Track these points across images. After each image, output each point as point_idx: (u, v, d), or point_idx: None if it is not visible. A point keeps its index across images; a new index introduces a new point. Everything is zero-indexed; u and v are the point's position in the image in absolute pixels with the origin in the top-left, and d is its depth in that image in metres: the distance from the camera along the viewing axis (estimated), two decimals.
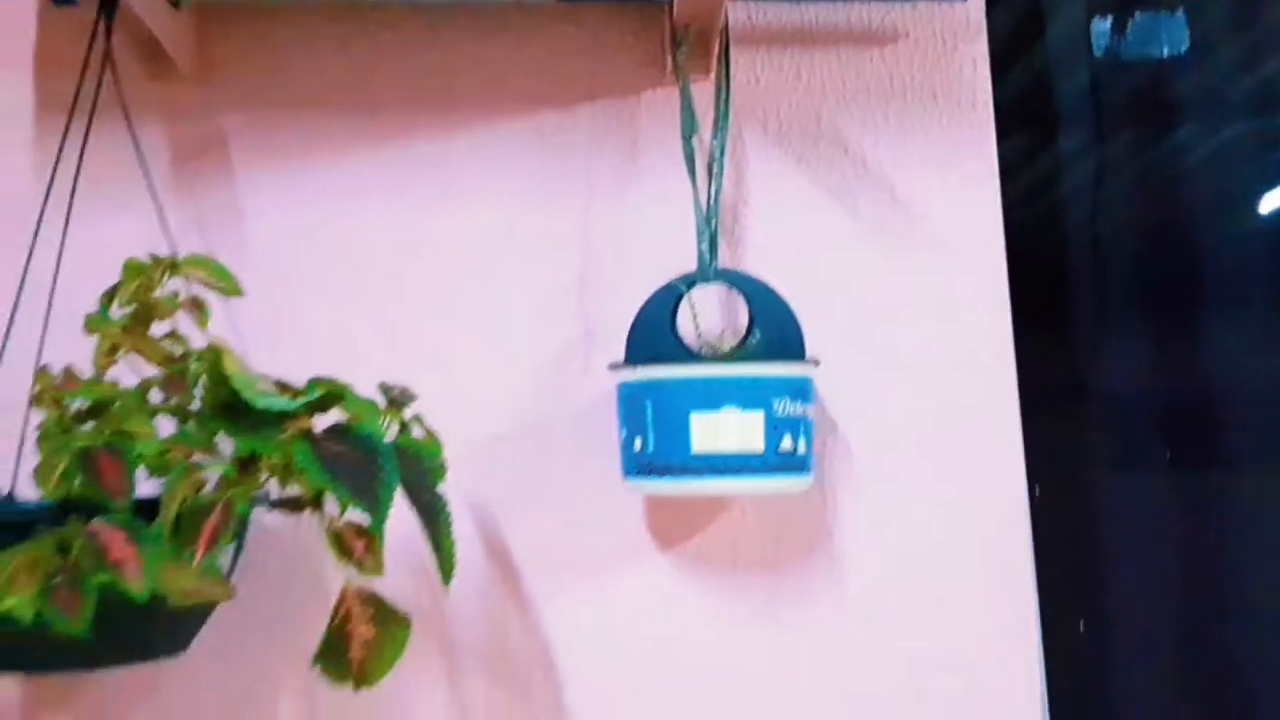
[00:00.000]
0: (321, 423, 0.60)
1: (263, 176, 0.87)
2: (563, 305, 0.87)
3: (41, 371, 0.69)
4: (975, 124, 0.91)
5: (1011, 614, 0.85)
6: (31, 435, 0.68)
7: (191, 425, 0.58)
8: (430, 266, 0.87)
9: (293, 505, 0.61)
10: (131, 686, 0.81)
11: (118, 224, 0.82)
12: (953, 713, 0.83)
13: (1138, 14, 1.10)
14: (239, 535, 0.58)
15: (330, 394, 0.57)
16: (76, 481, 0.59)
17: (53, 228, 0.78)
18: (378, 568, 0.63)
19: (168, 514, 0.56)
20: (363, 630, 0.62)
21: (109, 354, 0.71)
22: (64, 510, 0.61)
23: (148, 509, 0.61)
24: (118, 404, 0.62)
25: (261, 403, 0.55)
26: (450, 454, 0.70)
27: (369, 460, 0.57)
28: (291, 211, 0.87)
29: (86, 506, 0.62)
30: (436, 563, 0.60)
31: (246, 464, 0.59)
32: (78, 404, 0.70)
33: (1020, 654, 0.84)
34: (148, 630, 0.67)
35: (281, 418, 0.56)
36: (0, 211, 0.84)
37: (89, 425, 0.63)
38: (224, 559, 0.64)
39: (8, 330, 0.73)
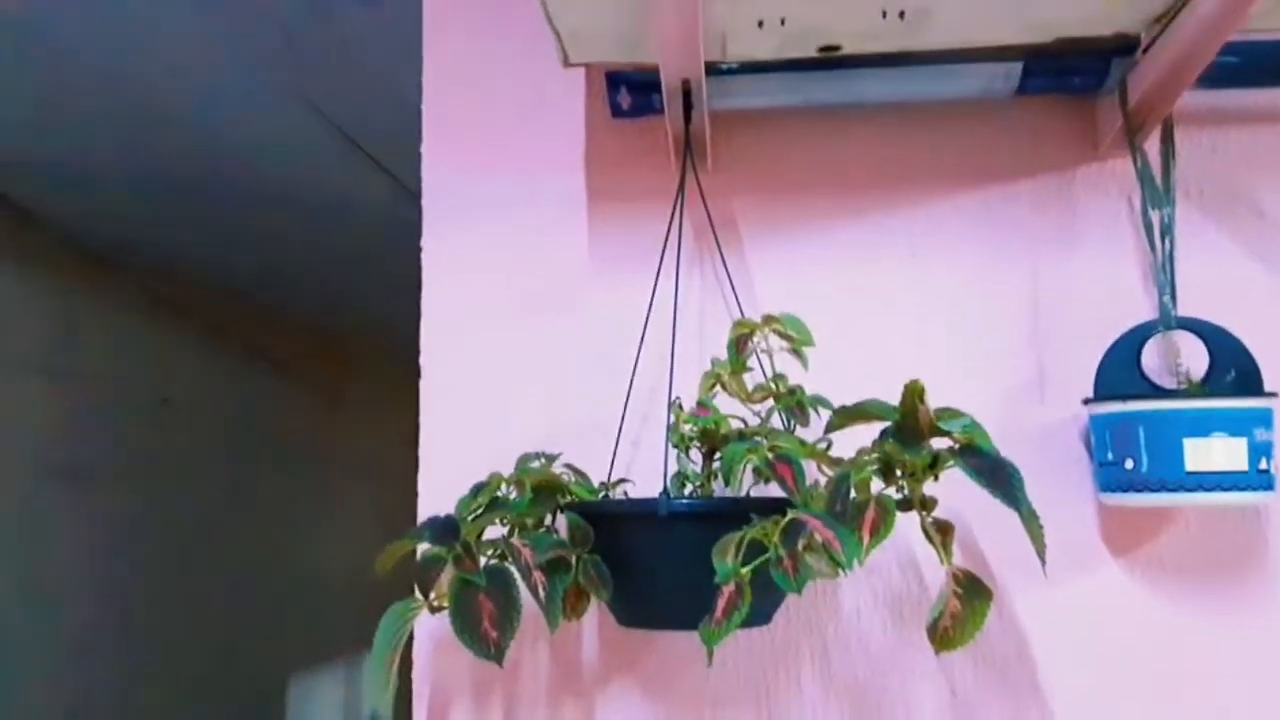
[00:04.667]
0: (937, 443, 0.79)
1: (766, 248, 1.08)
2: (1016, 351, 1.04)
3: (676, 403, 0.90)
4: None
5: None
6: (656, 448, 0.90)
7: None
8: (900, 318, 1.06)
9: (904, 505, 0.80)
10: (678, 652, 1.01)
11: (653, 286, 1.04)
12: None
13: None
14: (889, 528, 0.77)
15: (968, 429, 0.75)
16: (757, 481, 0.79)
17: (620, 289, 1.02)
18: (948, 557, 0.81)
19: (839, 505, 0.76)
20: (954, 604, 0.80)
21: (710, 389, 0.92)
22: (736, 505, 0.82)
23: (769, 508, 0.81)
24: (767, 428, 0.82)
25: (945, 426, 0.74)
26: None
27: (999, 468, 0.75)
28: (790, 274, 1.07)
29: (748, 502, 0.82)
30: (1033, 543, 0.77)
31: (890, 472, 0.78)
32: (688, 428, 0.91)
33: None
34: (774, 601, 0.88)
35: (929, 438, 0.76)
36: (562, 276, 1.09)
37: (747, 442, 0.83)
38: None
39: (633, 373, 0.96)
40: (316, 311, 3.89)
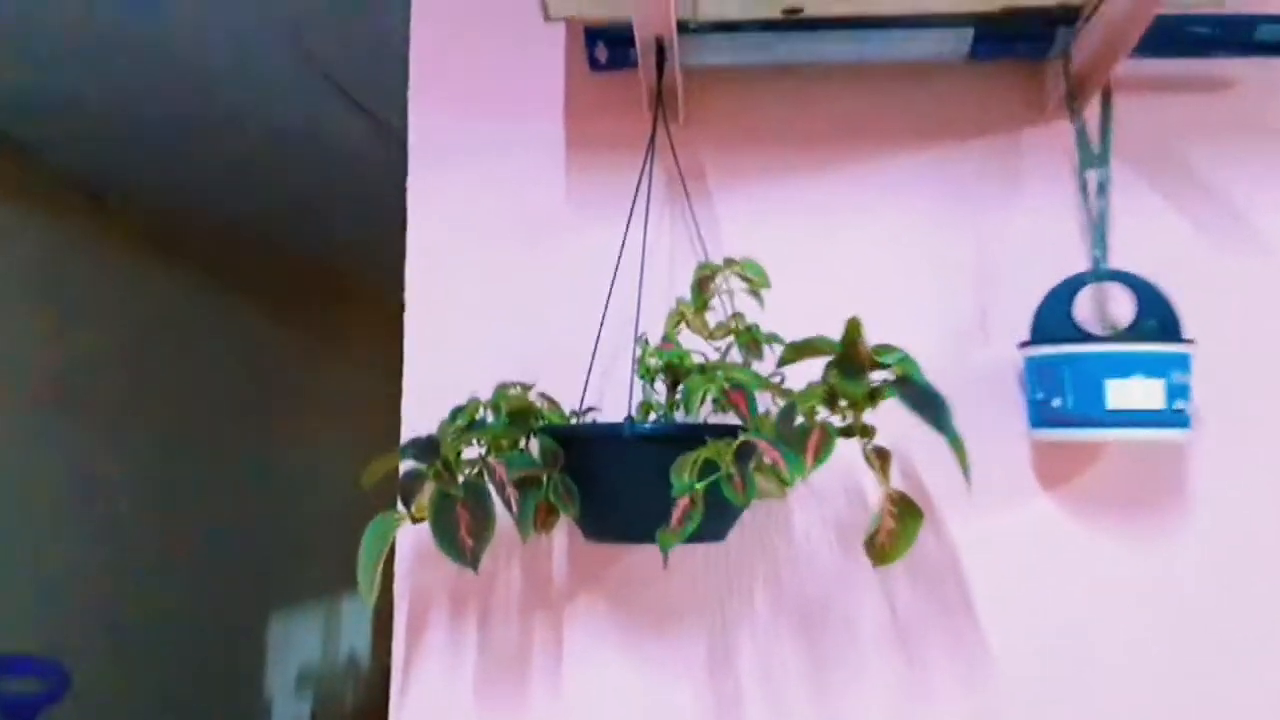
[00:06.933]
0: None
1: (732, 197, 1.15)
2: (961, 297, 1.12)
3: (643, 338, 0.98)
4: None
5: None
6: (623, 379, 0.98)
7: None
8: (854, 265, 1.13)
9: (847, 432, 0.88)
10: (640, 567, 1.10)
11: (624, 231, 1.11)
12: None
13: None
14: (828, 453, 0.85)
15: (902, 361, 0.83)
16: (713, 409, 0.87)
17: (598, 234, 1.09)
18: (886, 480, 0.90)
19: (786, 430, 0.84)
20: (889, 522, 0.88)
21: (675, 326, 1.00)
22: (694, 429, 0.90)
23: (724, 433, 0.89)
24: (725, 363, 0.90)
25: (882, 359, 0.82)
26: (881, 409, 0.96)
27: (930, 397, 0.83)
28: (753, 222, 1.14)
29: (705, 427, 0.90)
30: (959, 464, 0.86)
31: (834, 401, 0.86)
32: (653, 362, 0.99)
33: None
34: (727, 518, 0.96)
35: (869, 371, 0.84)
36: (539, 219, 1.15)
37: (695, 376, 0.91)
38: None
39: (604, 311, 1.03)
40: (310, 250, 3.94)
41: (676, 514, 0.82)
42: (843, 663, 1.08)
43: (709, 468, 0.84)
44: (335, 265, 4.23)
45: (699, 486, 0.83)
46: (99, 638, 3.06)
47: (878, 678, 1.08)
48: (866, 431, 0.88)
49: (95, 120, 2.46)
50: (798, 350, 0.89)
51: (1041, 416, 1.01)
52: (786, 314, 1.02)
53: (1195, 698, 1.06)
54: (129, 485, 3.26)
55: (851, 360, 0.82)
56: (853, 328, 0.82)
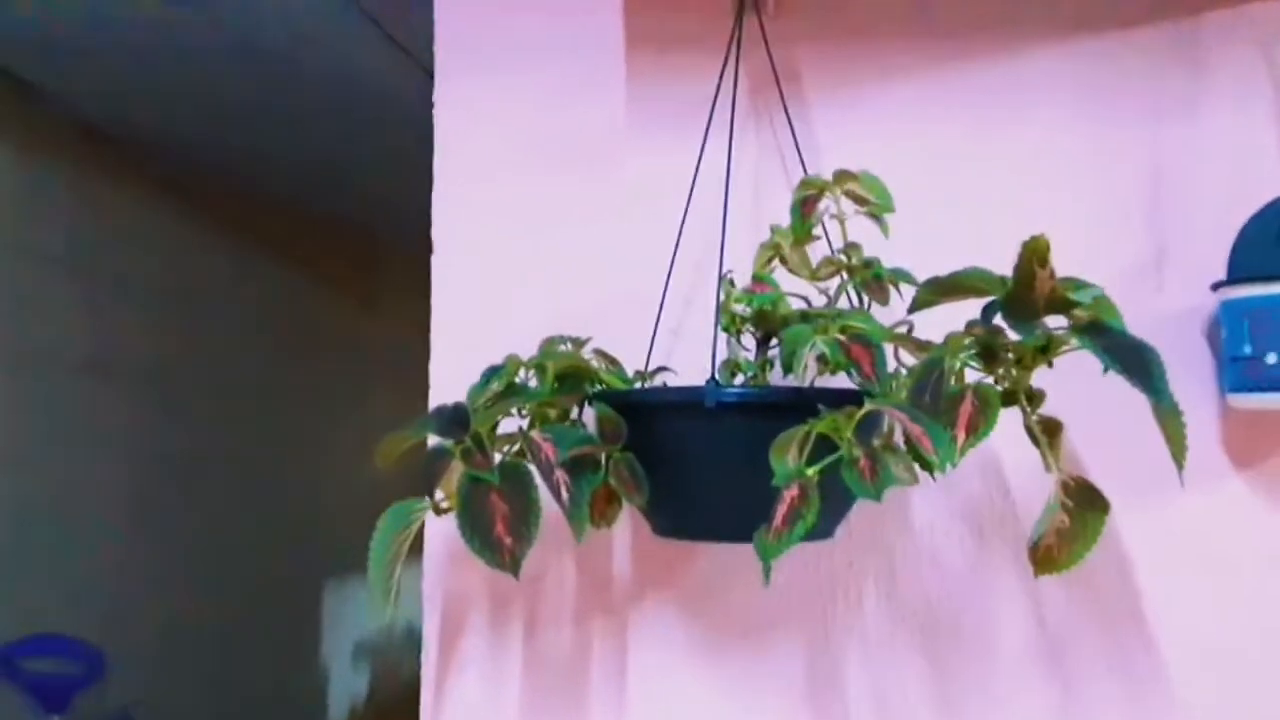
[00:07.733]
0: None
1: (835, 104, 0.92)
2: (1129, 229, 0.89)
3: (727, 278, 0.76)
4: None
5: None
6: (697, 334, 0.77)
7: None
8: (991, 190, 0.90)
9: (1005, 399, 0.66)
10: (722, 568, 0.89)
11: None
12: None
13: None
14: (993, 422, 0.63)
15: (1098, 301, 0.61)
16: (829, 367, 0.65)
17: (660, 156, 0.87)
18: (1058, 460, 0.67)
19: (928, 396, 0.62)
20: (1060, 518, 0.66)
21: (767, 263, 0.78)
22: (800, 395, 0.68)
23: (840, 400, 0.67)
24: (834, 310, 0.68)
25: (1075, 296, 0.60)
26: None
27: (1138, 350, 0.60)
28: (863, 135, 0.91)
29: (813, 392, 0.69)
30: (1170, 441, 0.63)
31: (992, 357, 0.63)
32: (741, 309, 0.77)
33: None
34: (841, 511, 0.74)
35: (1042, 314, 0.61)
36: (593, 134, 0.94)
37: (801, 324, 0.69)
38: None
39: (675, 249, 0.82)
40: (349, 211, 3.78)
41: (781, 510, 0.60)
42: (976, 686, 0.86)
43: (822, 447, 0.63)
44: (381, 229, 4.06)
45: (810, 472, 0.61)
46: (144, 615, 2.95)
47: (1021, 705, 0.86)
48: (1032, 398, 0.66)
49: (108, 58, 2.28)
50: (941, 289, 0.67)
51: (1245, 377, 0.78)
52: (898, 251, 0.79)
53: None
54: (175, 459, 3.14)
55: (1024, 298, 0.60)
56: (1036, 250, 0.59)
